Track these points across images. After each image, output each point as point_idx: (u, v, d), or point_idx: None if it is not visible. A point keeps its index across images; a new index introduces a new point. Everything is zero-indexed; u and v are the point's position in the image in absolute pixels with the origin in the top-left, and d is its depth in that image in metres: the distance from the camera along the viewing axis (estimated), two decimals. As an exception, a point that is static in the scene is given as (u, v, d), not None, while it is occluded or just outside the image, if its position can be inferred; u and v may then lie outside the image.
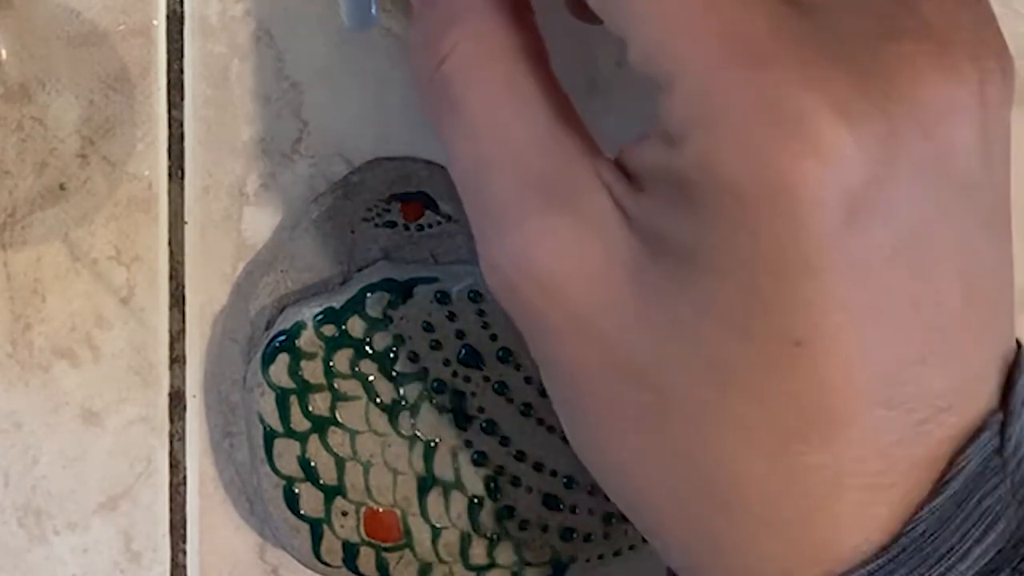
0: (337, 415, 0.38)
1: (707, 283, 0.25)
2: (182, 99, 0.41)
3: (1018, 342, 0.28)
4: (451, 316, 0.38)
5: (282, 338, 0.39)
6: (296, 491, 0.39)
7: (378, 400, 0.38)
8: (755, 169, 0.24)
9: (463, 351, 0.39)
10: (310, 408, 0.38)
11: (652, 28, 0.25)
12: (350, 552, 0.39)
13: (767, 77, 0.24)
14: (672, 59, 0.25)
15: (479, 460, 0.39)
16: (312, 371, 0.38)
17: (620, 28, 0.26)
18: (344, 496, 0.39)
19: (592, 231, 0.27)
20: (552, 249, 0.27)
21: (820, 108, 0.24)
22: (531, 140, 0.28)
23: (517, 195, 0.28)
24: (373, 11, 0.36)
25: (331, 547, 0.39)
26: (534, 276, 0.27)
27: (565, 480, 0.39)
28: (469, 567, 0.39)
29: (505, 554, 0.39)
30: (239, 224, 0.41)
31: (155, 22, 0.40)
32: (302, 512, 0.39)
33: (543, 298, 0.27)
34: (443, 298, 0.38)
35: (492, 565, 0.39)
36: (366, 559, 0.39)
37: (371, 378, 0.38)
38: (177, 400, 0.42)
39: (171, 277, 0.41)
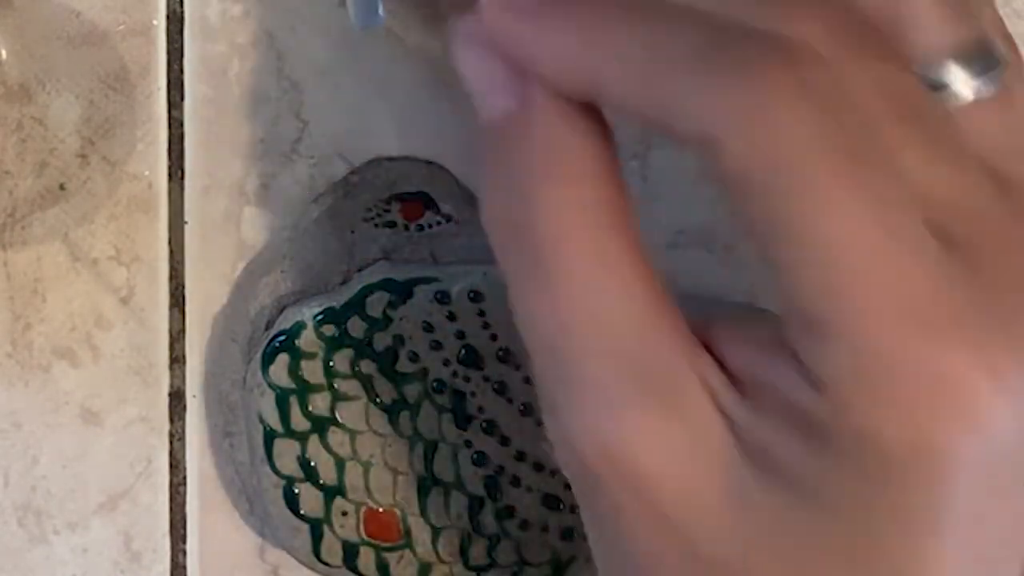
0: (337, 415, 0.38)
1: (822, 518, 0.26)
2: (182, 99, 0.41)
3: None
4: (451, 316, 0.38)
5: (282, 338, 0.38)
6: (296, 491, 0.39)
7: (378, 400, 0.38)
8: (908, 433, 0.25)
9: (463, 351, 0.39)
10: (310, 408, 0.38)
11: (819, 274, 0.25)
12: (350, 552, 0.39)
13: (932, 349, 0.25)
14: (836, 310, 0.25)
15: (479, 460, 0.39)
16: (312, 371, 0.38)
17: (780, 262, 0.26)
18: (344, 496, 0.39)
19: (692, 436, 0.27)
20: (645, 446, 0.27)
21: (979, 379, 0.24)
22: (627, 324, 0.27)
23: (609, 379, 0.27)
24: (380, 10, 0.37)
25: (331, 547, 0.39)
26: (619, 465, 0.27)
27: (565, 480, 0.39)
28: (469, 567, 0.39)
29: (505, 554, 0.39)
30: (239, 224, 0.41)
31: (155, 22, 0.40)
32: (302, 512, 0.39)
33: (624, 487, 0.27)
34: (443, 298, 0.38)
35: (492, 565, 0.39)
36: (366, 559, 0.39)
37: (371, 378, 0.38)
38: (177, 400, 0.42)
39: (171, 277, 0.41)
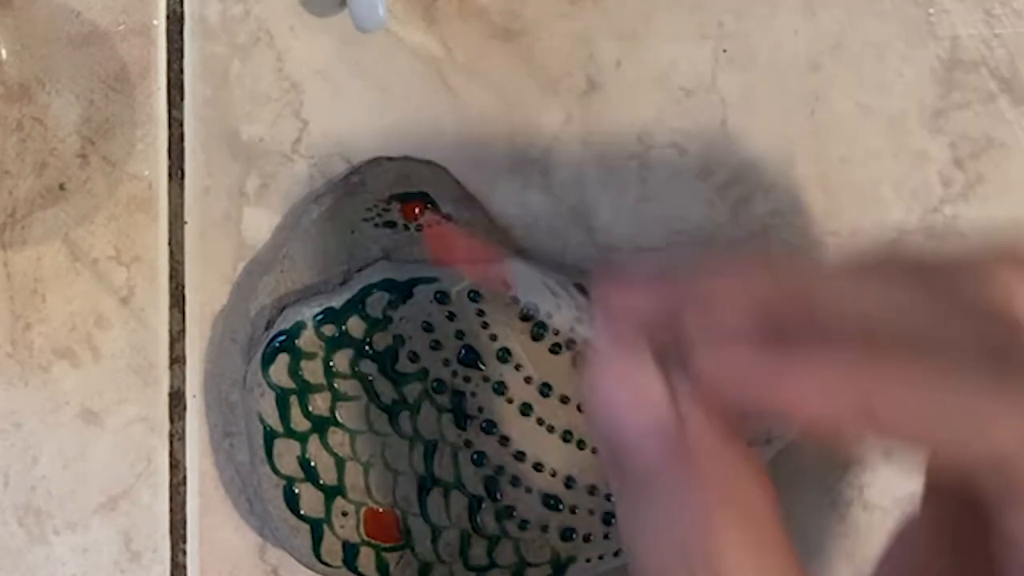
0: (337, 415, 0.38)
1: None
2: (182, 99, 0.41)
3: None
4: (451, 316, 0.38)
5: (282, 338, 0.39)
6: (296, 491, 0.39)
7: (378, 400, 0.38)
8: None
9: (463, 351, 0.39)
10: (310, 408, 0.38)
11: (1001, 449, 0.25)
12: (350, 552, 0.39)
13: None
14: None
15: (479, 460, 0.39)
16: (312, 371, 0.38)
17: (954, 451, 0.26)
18: (344, 496, 0.39)
19: None
20: None
21: None
22: None
23: None
24: (381, 12, 0.37)
25: (331, 547, 0.39)
26: None
27: (565, 480, 0.39)
28: (469, 567, 0.39)
29: (505, 554, 0.39)
30: (239, 224, 0.41)
31: (155, 22, 0.40)
32: (302, 512, 0.39)
33: None
34: (443, 298, 0.38)
35: (492, 565, 0.39)
36: (366, 559, 0.39)
37: (371, 378, 0.38)
38: (177, 400, 0.42)
39: (171, 277, 0.41)
